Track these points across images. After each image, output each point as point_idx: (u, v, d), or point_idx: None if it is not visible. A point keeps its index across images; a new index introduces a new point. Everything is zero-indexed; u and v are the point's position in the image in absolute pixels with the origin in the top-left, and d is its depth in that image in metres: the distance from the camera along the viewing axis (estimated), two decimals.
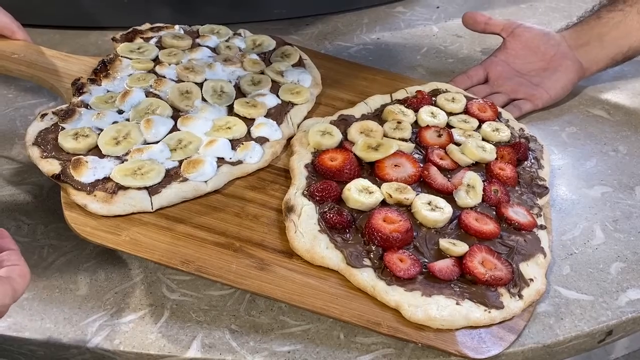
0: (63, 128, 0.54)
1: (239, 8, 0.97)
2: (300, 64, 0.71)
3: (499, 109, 0.71)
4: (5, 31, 0.63)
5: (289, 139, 0.61)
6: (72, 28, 0.95)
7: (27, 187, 0.64)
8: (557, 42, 0.80)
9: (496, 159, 0.62)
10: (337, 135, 0.60)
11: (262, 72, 0.67)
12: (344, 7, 1.04)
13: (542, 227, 0.57)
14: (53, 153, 0.51)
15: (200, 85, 0.62)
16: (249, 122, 0.59)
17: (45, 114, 0.55)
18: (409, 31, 1.00)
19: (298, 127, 0.63)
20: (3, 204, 0.62)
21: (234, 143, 0.56)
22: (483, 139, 0.65)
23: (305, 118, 0.64)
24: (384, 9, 1.07)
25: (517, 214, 0.56)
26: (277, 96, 0.64)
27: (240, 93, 0.63)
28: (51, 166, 0.50)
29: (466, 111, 0.70)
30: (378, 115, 0.67)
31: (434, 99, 0.71)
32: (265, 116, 0.61)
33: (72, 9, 0.93)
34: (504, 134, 0.66)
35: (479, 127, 0.67)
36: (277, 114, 0.62)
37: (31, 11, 0.93)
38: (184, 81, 0.62)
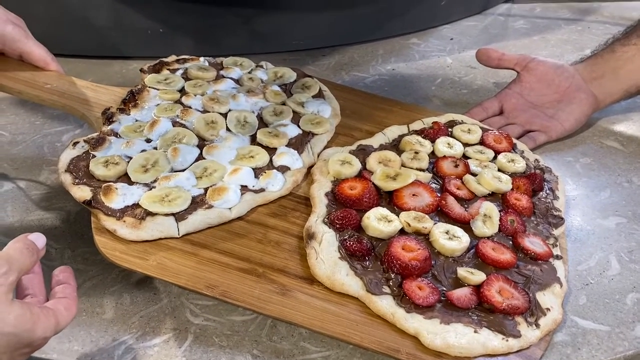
0: (94, 156, 0.56)
1: (259, 39, 1.00)
2: (320, 95, 0.73)
3: (514, 141, 0.73)
4: (40, 62, 0.66)
5: (310, 168, 0.63)
6: (97, 57, 0.99)
7: (55, 212, 0.66)
8: (570, 74, 0.81)
9: (512, 189, 0.63)
10: (357, 165, 0.62)
11: (284, 103, 0.69)
12: (359, 39, 1.07)
13: (558, 257, 0.57)
14: (84, 180, 0.53)
15: (225, 115, 0.64)
16: (271, 151, 0.61)
17: (77, 142, 0.57)
18: (423, 62, 1.02)
19: (318, 156, 0.64)
20: (32, 228, 0.64)
21: (257, 171, 0.58)
22: (499, 170, 0.66)
23: (325, 148, 0.66)
24: (399, 40, 1.10)
25: (533, 244, 0.57)
26: (298, 126, 0.66)
27: (262, 123, 0.66)
28: (82, 192, 0.52)
29: (482, 142, 0.71)
30: (396, 146, 0.69)
31: (450, 129, 0.73)
32: (286, 145, 0.63)
33: (97, 39, 0.97)
34: (520, 165, 0.67)
35: (495, 158, 0.69)
36: (298, 143, 0.64)
37: (58, 41, 0.96)
38: (209, 111, 0.64)
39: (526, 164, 0.68)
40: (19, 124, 0.82)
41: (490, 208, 0.59)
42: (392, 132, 0.71)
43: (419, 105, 0.81)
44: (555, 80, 0.81)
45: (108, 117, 0.60)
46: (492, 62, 0.84)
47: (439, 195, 0.61)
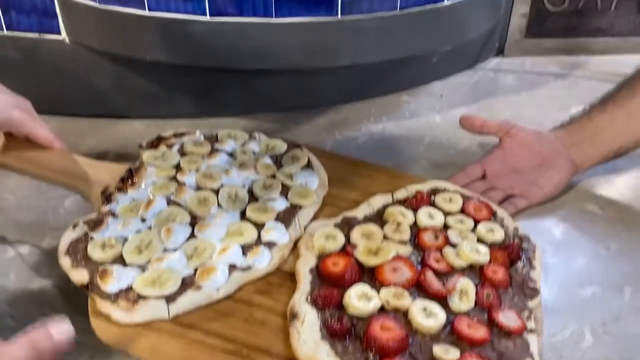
0: (92, 238, 0.60)
1: (256, 100, 1.05)
2: (309, 165, 0.77)
3: (495, 208, 0.76)
4: (44, 142, 0.70)
5: (297, 241, 0.66)
6: (100, 117, 1.03)
7: (55, 280, 0.69)
8: (550, 141, 0.85)
9: (490, 261, 0.66)
10: (340, 239, 0.65)
11: (274, 176, 0.73)
12: (353, 98, 1.11)
13: (532, 331, 0.60)
14: (82, 262, 0.57)
15: (217, 191, 0.68)
16: (260, 226, 0.65)
17: (77, 224, 0.61)
18: (413, 121, 1.06)
19: (305, 229, 0.68)
20: (32, 296, 0.68)
21: (245, 249, 0.62)
22: (478, 240, 0.70)
23: (312, 219, 0.70)
24: (391, 97, 1.14)
25: (507, 318, 0.60)
26: (287, 199, 0.70)
27: (252, 197, 0.69)
28: (80, 276, 0.56)
29: (463, 211, 0.75)
30: (380, 216, 0.72)
31: (433, 197, 0.76)
32: (275, 219, 0.66)
33: (100, 101, 1.02)
34: (498, 235, 0.71)
35: (475, 226, 0.72)
36: (286, 217, 0.67)
37: (63, 102, 1.02)
38: (202, 188, 0.68)
39: (505, 233, 0.72)
40: (24, 187, 0.86)
41: (466, 284, 0.62)
42: (377, 201, 0.75)
43: (405, 172, 0.85)
44: (536, 146, 0.85)
45: (107, 197, 0.64)
46: (474, 129, 0.88)
47: (419, 269, 0.64)
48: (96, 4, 0.87)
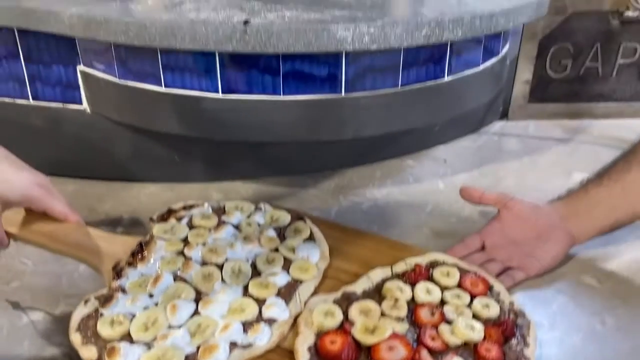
0: (102, 314, 0.63)
1: (265, 165, 1.09)
2: (311, 236, 0.80)
3: (491, 282, 0.78)
4: (60, 217, 0.75)
5: (297, 317, 0.69)
6: (117, 180, 1.08)
7: (66, 349, 0.72)
8: (547, 213, 0.88)
9: (484, 338, 0.68)
10: (339, 316, 0.68)
11: (277, 249, 0.76)
12: (359, 163, 1.15)
13: None
14: (92, 339, 0.60)
15: (221, 266, 0.71)
16: (261, 301, 0.68)
17: (88, 300, 0.64)
18: (416, 187, 1.10)
19: (305, 304, 0.71)
20: None
21: (246, 326, 0.64)
22: (474, 316, 0.72)
23: (313, 294, 0.72)
24: (395, 162, 1.18)
25: None
26: (288, 273, 0.73)
27: (255, 271, 0.73)
28: (90, 353, 0.59)
29: (460, 285, 0.77)
30: (379, 290, 0.75)
31: (431, 270, 0.79)
32: (276, 295, 0.69)
33: (118, 165, 1.07)
34: (494, 311, 0.73)
35: (471, 301, 0.74)
36: (287, 292, 0.70)
37: (83, 166, 1.07)
38: (207, 263, 0.71)
39: (500, 308, 0.74)
40: (42, 252, 0.91)
41: None
42: (376, 275, 0.77)
43: (405, 242, 0.88)
44: (532, 219, 0.87)
45: (117, 272, 0.68)
46: (474, 200, 0.91)
47: (415, 347, 0.66)
48: (116, 79, 0.93)
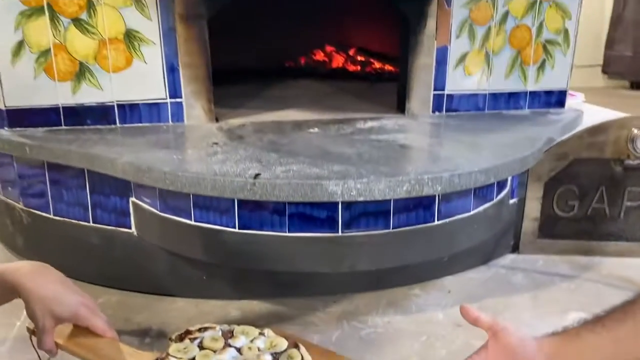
0: None
1: (280, 287, 1.23)
2: None
3: None
4: (99, 332, 0.90)
5: None
6: (152, 294, 1.25)
7: None
8: (533, 350, 0.92)
9: None
10: None
11: None
12: (369, 288, 1.27)
13: None
14: None
15: None
16: None
17: None
18: (417, 316, 1.18)
19: None
20: None
21: None
22: None
23: None
24: (403, 289, 1.28)
25: None
26: None
27: None
28: None
29: None
30: None
31: None
32: None
33: (153, 281, 1.24)
34: None
35: None
36: None
37: (124, 280, 1.25)
38: None
39: None
40: None
41: None
42: None
43: None
44: (518, 354, 0.92)
45: None
46: (469, 320, 0.96)
47: None
48: (157, 212, 1.12)
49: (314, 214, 1.01)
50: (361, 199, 0.94)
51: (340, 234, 1.02)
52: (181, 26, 1.26)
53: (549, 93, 1.53)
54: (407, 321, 1.17)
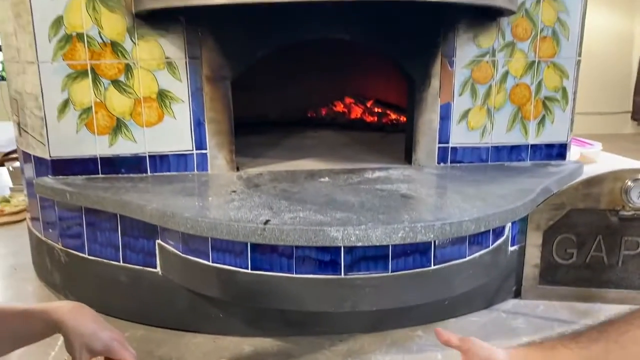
0: None
1: (291, 326, 1.32)
2: None
3: None
4: (118, 355, 1.01)
5: None
6: (173, 329, 1.36)
7: None
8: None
9: None
10: None
11: None
12: (376, 329, 1.35)
13: None
14: None
15: None
16: None
17: None
18: (417, 356, 1.26)
19: None
20: None
21: None
22: None
23: None
24: (407, 331, 1.36)
25: None
26: None
27: None
28: None
29: None
30: None
31: None
32: None
33: (175, 317, 1.35)
34: None
35: None
36: None
37: (148, 316, 1.36)
38: None
39: None
40: None
41: None
42: None
43: None
44: None
45: None
46: (442, 341, 1.01)
47: None
48: (180, 253, 1.24)
49: (318, 257, 1.11)
50: (360, 244, 1.04)
51: (342, 276, 1.12)
52: (207, 86, 1.41)
53: (549, 146, 1.62)
54: None
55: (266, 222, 1.07)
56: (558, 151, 1.63)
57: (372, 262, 1.12)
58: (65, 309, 0.95)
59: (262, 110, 2.41)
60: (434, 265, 1.15)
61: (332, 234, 1.03)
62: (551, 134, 1.62)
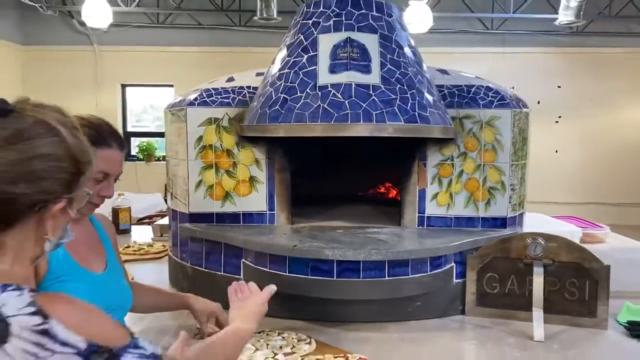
0: None
1: (303, 312, 2.26)
2: None
3: None
4: (224, 323, 2.01)
5: None
6: None
7: None
8: None
9: None
10: None
11: None
12: (361, 321, 2.24)
13: None
14: None
15: None
16: None
17: None
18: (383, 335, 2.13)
19: None
20: None
21: None
22: None
23: None
24: (383, 323, 2.23)
25: None
26: None
27: None
28: None
29: None
30: None
31: None
32: None
33: None
34: None
35: None
36: None
37: None
38: None
39: None
40: None
41: None
42: None
43: None
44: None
45: None
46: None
47: None
48: (252, 265, 2.26)
49: (321, 267, 2.08)
50: (341, 259, 1.99)
51: (334, 279, 2.07)
52: (277, 175, 2.47)
53: (495, 219, 2.48)
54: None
55: (294, 246, 2.06)
56: (501, 222, 2.48)
57: (351, 272, 2.06)
58: (192, 296, 1.97)
59: (321, 188, 3.44)
60: (388, 277, 2.07)
61: (326, 252, 2.00)
62: (495, 211, 2.48)
